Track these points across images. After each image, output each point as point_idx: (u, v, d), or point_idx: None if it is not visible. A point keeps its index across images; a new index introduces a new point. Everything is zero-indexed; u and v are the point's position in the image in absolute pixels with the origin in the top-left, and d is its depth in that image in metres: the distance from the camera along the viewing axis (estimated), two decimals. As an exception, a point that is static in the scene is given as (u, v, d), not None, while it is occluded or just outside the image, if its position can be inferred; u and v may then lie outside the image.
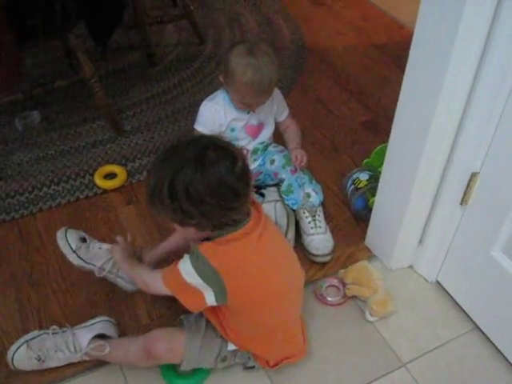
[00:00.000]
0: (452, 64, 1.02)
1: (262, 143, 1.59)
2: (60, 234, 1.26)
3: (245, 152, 1.55)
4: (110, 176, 1.72)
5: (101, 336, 1.20)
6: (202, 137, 1.16)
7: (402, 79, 1.16)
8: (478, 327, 1.32)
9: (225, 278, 0.99)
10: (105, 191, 1.68)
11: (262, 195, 1.59)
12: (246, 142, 1.57)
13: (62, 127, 1.93)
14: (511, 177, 1.10)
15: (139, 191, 1.68)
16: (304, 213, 1.51)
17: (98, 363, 1.22)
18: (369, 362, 1.26)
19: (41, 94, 1.76)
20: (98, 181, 1.68)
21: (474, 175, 1.18)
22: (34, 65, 2.14)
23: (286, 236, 1.45)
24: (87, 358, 1.20)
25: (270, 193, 1.58)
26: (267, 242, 1.06)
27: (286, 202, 1.55)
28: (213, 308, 1.08)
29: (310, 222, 1.49)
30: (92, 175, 1.71)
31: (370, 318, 1.32)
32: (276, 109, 1.58)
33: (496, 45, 0.99)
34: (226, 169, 0.95)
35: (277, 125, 1.62)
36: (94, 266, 1.27)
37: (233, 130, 1.53)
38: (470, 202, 1.22)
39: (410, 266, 1.48)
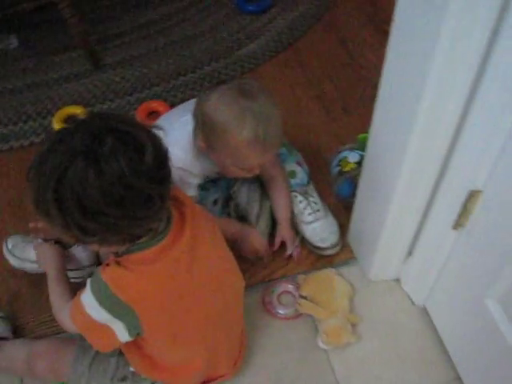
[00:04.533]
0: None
1: None
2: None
3: None
4: (72, 120, 1.48)
5: None
6: (98, 116, 0.75)
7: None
8: (459, 378, 1.01)
9: (136, 308, 0.77)
10: (62, 137, 1.45)
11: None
12: None
13: (40, 55, 1.71)
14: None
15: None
16: (296, 196, 1.20)
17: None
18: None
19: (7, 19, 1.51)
20: (56, 125, 1.46)
21: (473, 194, 0.83)
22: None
23: (257, 226, 1.16)
24: None
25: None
26: (193, 257, 0.80)
27: None
28: None
29: (305, 208, 1.19)
30: (54, 116, 1.49)
31: (322, 346, 1.05)
32: None
33: None
34: (129, 164, 0.66)
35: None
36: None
37: None
38: (467, 225, 0.88)
39: (397, 280, 1.17)
